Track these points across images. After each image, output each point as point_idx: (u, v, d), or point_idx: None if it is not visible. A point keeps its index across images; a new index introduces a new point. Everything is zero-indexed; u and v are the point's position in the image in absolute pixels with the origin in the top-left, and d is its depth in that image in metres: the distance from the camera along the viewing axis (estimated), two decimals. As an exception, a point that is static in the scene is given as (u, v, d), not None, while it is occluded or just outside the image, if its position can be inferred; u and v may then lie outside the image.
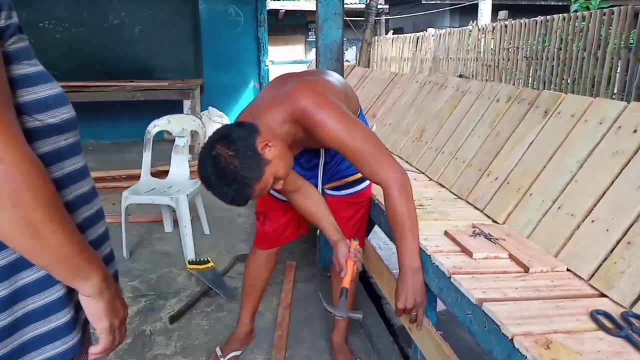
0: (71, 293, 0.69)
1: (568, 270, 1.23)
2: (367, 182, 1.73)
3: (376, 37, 8.69)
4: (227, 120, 5.98)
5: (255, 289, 1.86)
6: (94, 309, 0.69)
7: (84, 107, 4.21)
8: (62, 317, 0.68)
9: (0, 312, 0.62)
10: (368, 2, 6.50)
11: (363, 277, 2.50)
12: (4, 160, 0.55)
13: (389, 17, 11.23)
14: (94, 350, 0.73)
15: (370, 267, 1.88)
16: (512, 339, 0.94)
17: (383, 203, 1.68)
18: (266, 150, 1.23)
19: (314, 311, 2.21)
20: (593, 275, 1.17)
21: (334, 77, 1.56)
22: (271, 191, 1.66)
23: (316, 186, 1.68)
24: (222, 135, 1.22)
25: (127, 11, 5.72)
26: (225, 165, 1.18)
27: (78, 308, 0.71)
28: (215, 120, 5.74)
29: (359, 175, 1.69)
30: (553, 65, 4.95)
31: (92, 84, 4.98)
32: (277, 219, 1.71)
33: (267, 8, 6.55)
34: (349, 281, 1.42)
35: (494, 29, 5.90)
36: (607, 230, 1.21)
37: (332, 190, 1.71)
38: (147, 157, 2.90)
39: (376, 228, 2.33)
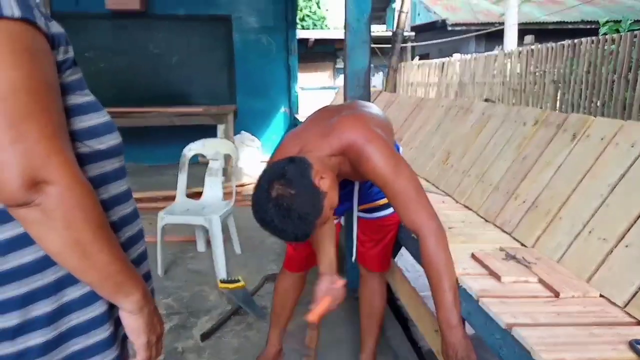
0: (112, 310, 0.72)
1: (601, 296, 1.21)
2: None
3: (402, 63, 8.78)
4: (258, 143, 6.13)
5: (284, 309, 1.89)
6: (134, 324, 0.72)
7: (125, 131, 4.32)
8: (103, 333, 0.71)
9: (47, 326, 0.66)
10: (395, 29, 6.62)
11: (390, 300, 2.50)
12: (59, 184, 0.58)
13: (415, 44, 11.34)
14: None
15: (398, 290, 1.89)
16: (544, 365, 0.92)
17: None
18: (321, 183, 1.22)
19: (342, 332, 2.21)
20: (629, 302, 1.14)
21: (374, 109, 1.58)
22: None
23: (351, 209, 1.71)
24: (278, 174, 1.19)
25: (165, 41, 6.00)
26: (288, 205, 1.16)
27: (117, 324, 0.73)
28: (248, 144, 5.89)
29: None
30: (581, 89, 4.89)
31: (132, 110, 5.21)
32: (309, 243, 1.75)
33: (298, 37, 6.75)
34: (316, 315, 1.39)
35: (520, 53, 5.89)
36: (642, 255, 1.19)
37: (364, 212, 1.74)
38: (182, 179, 3.01)
39: (403, 250, 2.34)
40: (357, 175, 1.41)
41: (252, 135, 6.15)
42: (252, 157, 5.89)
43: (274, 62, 6.43)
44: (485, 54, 6.52)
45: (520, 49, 5.98)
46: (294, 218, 1.17)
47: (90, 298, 0.69)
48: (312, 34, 10.84)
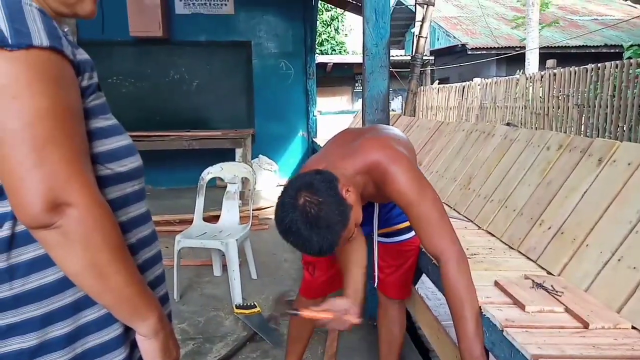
0: (127, 332, 0.72)
1: (633, 328, 1.15)
2: None
3: (422, 87, 8.80)
4: (276, 167, 6.17)
5: (301, 337, 1.85)
6: (149, 348, 0.72)
7: (144, 155, 4.42)
8: (118, 356, 0.71)
9: (63, 348, 0.66)
10: (413, 54, 6.66)
11: (410, 328, 2.43)
12: (78, 206, 0.60)
13: (435, 68, 11.38)
14: None
15: (418, 318, 1.83)
16: (572, 400, 0.88)
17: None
18: (347, 196, 1.20)
19: (360, 362, 2.15)
20: (662, 334, 1.10)
21: (396, 131, 1.58)
22: None
23: (371, 232, 1.69)
24: (305, 183, 1.17)
25: (186, 66, 6.16)
26: (315, 213, 1.13)
27: (133, 347, 0.73)
28: (265, 167, 5.93)
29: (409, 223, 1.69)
30: (607, 113, 4.80)
31: (152, 134, 5.32)
32: (327, 269, 1.71)
33: (316, 62, 6.85)
34: (307, 314, 1.26)
35: (542, 77, 5.84)
36: (675, 285, 1.13)
37: (383, 237, 1.71)
38: (200, 202, 3.03)
39: (424, 277, 2.28)
40: (380, 197, 1.39)
41: (270, 159, 6.20)
42: (270, 180, 5.92)
43: (292, 86, 6.53)
44: (507, 77, 6.48)
45: (543, 72, 5.93)
46: (321, 227, 1.13)
47: (107, 320, 0.69)
48: (330, 59, 11.01)
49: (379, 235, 1.71)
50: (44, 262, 0.64)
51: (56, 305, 0.65)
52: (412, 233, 1.70)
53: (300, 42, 6.44)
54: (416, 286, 2.10)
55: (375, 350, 1.89)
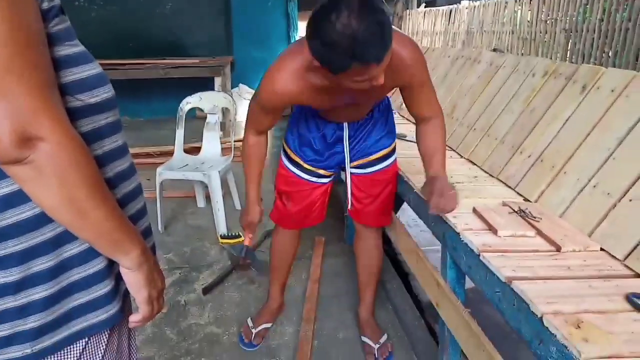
0: (112, 265, 0.72)
1: (602, 249, 1.21)
2: (393, 158, 1.72)
3: (407, 11, 8.46)
4: (256, 97, 6.00)
5: (282, 265, 1.91)
6: (133, 280, 0.72)
7: (119, 84, 4.27)
8: (104, 288, 0.71)
9: (48, 282, 0.66)
10: (400, -26, 6.31)
11: (390, 254, 2.52)
12: (50, 140, 0.57)
13: (421, -11, 10.87)
14: (133, 319, 0.76)
15: (399, 244, 1.89)
16: (541, 318, 0.93)
17: (411, 179, 1.69)
18: None
19: (342, 286, 2.25)
20: (629, 255, 1.14)
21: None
22: (295, 170, 1.68)
23: (343, 163, 1.68)
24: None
25: (158, -13, 5.77)
26: (381, 19, 1.06)
27: (119, 279, 0.74)
28: (246, 97, 5.77)
29: (385, 151, 1.69)
30: (594, 38, 4.71)
31: (126, 62, 5.08)
32: (301, 200, 1.72)
33: (297, -17, 6.47)
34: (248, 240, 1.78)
35: (531, 0, 5.64)
36: (646, 209, 1.17)
37: (358, 168, 1.70)
38: (180, 134, 2.96)
39: (404, 206, 2.33)
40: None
41: (251, 88, 6.00)
42: (252, 110, 5.80)
43: (272, 10, 6.20)
44: (495, 0, 6.24)
45: (531, -5, 5.70)
46: (386, 33, 1.08)
47: (90, 254, 0.69)
48: (313, -19, 10.38)
49: (354, 167, 1.70)
50: (19, 197, 0.62)
51: (36, 240, 0.64)
52: (388, 162, 1.70)
53: (281, -38, 6.05)
54: (397, 214, 2.15)
55: (356, 275, 1.96)
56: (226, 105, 3.05)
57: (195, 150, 3.15)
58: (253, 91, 6.42)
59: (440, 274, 1.46)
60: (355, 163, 1.69)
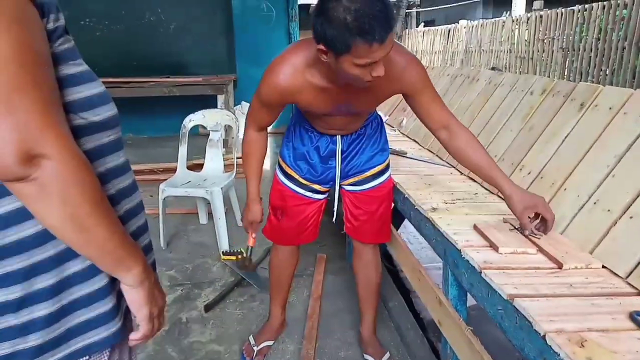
0: (113, 283, 0.72)
1: (604, 267, 1.21)
2: (388, 174, 1.74)
3: (407, 30, 8.58)
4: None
5: (282, 282, 1.90)
6: (134, 298, 0.72)
7: (123, 102, 4.31)
8: (105, 305, 0.71)
9: (49, 299, 0.66)
10: (399, -6, 6.43)
11: (392, 271, 2.52)
12: (54, 158, 0.58)
13: (420, 10, 11.06)
14: (134, 336, 0.76)
15: (400, 262, 1.89)
16: (544, 336, 0.93)
17: (411, 196, 1.70)
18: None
19: (344, 304, 2.24)
20: (631, 273, 1.14)
21: None
22: (290, 185, 1.69)
23: (333, 178, 1.70)
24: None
25: (162, 8, 5.84)
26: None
27: (120, 297, 0.74)
28: (247, 115, 5.81)
29: (379, 167, 1.70)
30: (590, 57, 4.78)
31: (130, 80, 5.14)
32: (295, 216, 1.72)
33: (299, 3, 6.57)
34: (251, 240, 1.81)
35: (528, 19, 5.73)
36: (647, 226, 1.18)
37: (352, 185, 1.71)
38: (183, 150, 2.99)
39: (405, 222, 2.34)
40: (383, 86, 1.39)
41: (254, 106, 6.05)
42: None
43: (274, 29, 6.28)
44: (493, 20, 6.34)
45: (529, 14, 5.81)
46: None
47: (92, 271, 0.69)
48: (313, 0, 10.56)
49: (348, 184, 1.71)
50: (21, 215, 0.63)
51: (38, 258, 0.64)
52: (382, 178, 1.71)
53: (282, -18, 6.15)
54: (398, 231, 2.15)
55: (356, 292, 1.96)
56: (229, 122, 3.08)
57: (198, 167, 3.17)
58: (255, 109, 6.45)
59: (442, 292, 1.46)
60: (349, 180, 1.71)
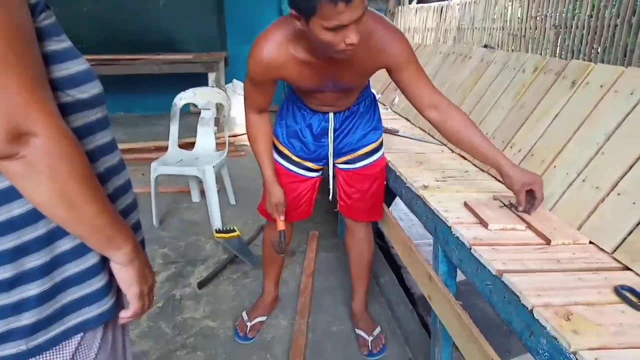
0: (105, 261, 0.72)
1: (591, 243, 1.23)
2: (381, 153, 1.74)
3: (399, 7, 8.46)
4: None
5: (274, 259, 1.92)
6: (124, 276, 0.73)
7: (113, 80, 4.28)
8: (97, 283, 0.71)
9: (42, 278, 0.66)
10: (392, -31, 6.31)
11: (383, 248, 2.55)
12: (41, 135, 0.57)
13: (413, -15, 10.87)
14: (124, 314, 0.77)
15: (391, 238, 1.91)
16: (531, 310, 0.95)
17: (403, 174, 1.71)
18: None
19: (336, 279, 2.27)
20: (617, 248, 1.16)
21: None
22: (283, 162, 1.69)
23: (326, 156, 1.70)
24: None
25: (151, -18, 5.72)
26: None
27: (112, 275, 0.74)
28: (240, 92, 5.74)
29: (372, 146, 1.70)
30: (583, 34, 4.76)
31: (119, 58, 5.05)
32: (288, 193, 1.72)
33: (289, -22, 6.44)
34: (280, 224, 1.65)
35: (523, -4, 5.67)
36: (634, 203, 1.19)
37: (345, 164, 1.72)
38: (174, 129, 2.96)
39: (396, 199, 2.35)
40: (365, 61, 1.39)
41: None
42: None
43: (266, 6, 6.17)
44: (486, -4, 6.27)
45: (522, -9, 5.74)
46: None
47: (83, 249, 0.69)
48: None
49: (341, 162, 1.72)
50: (9, 194, 0.62)
51: (28, 237, 0.64)
52: (375, 156, 1.71)
53: (273, -44, 6.02)
54: (390, 208, 2.17)
55: (348, 268, 1.99)
56: (220, 100, 3.05)
57: (190, 146, 3.15)
58: (246, 87, 6.35)
59: (432, 268, 1.49)
60: (342, 159, 1.71)
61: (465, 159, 1.94)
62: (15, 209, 0.62)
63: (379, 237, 2.63)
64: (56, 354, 0.69)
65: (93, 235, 0.66)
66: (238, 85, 5.90)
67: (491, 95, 2.04)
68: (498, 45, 5.86)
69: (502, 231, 1.29)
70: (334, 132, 1.66)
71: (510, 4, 5.84)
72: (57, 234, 0.66)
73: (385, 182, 1.80)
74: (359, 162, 1.70)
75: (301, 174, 1.71)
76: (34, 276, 0.65)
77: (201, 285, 2.20)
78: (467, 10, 6.70)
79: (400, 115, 2.79)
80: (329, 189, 1.82)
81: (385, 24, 1.38)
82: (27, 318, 0.65)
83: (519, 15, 5.60)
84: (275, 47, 1.36)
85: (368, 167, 1.71)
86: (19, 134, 0.55)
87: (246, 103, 1.58)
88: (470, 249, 1.21)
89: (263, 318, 1.94)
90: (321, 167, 1.75)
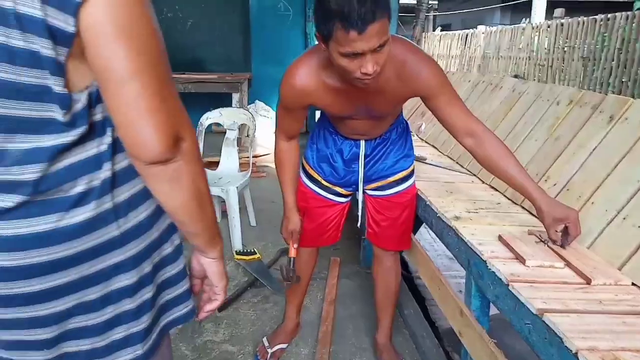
0: (185, 267, 0.78)
1: (633, 284, 1.18)
2: (412, 180, 1.72)
3: (424, 34, 8.55)
4: (273, 114, 6.06)
5: (300, 284, 1.89)
6: (219, 269, 0.78)
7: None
8: (185, 285, 0.77)
9: (152, 280, 0.70)
10: (418, -2, 6.40)
11: (407, 278, 2.49)
12: (188, 139, 0.62)
13: (437, 14, 11.00)
14: (209, 307, 0.82)
15: (418, 269, 1.87)
16: (576, 353, 0.90)
17: (433, 203, 1.68)
18: None
19: (358, 308, 2.22)
20: (662, 291, 1.12)
21: None
22: (313, 187, 1.68)
23: (356, 182, 1.68)
24: None
25: (180, 4, 5.89)
26: None
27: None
28: (262, 114, 5.83)
29: (404, 173, 1.68)
30: (612, 66, 4.71)
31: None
32: (316, 217, 1.71)
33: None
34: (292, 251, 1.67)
35: (549, 27, 5.67)
36: (679, 245, 1.15)
37: (375, 190, 1.70)
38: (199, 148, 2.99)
39: (421, 229, 2.31)
40: (396, 91, 1.39)
41: (267, 105, 6.06)
42: (266, 127, 5.85)
43: (291, 28, 6.29)
44: (512, 26, 6.29)
45: (550, 22, 5.75)
46: None
47: (177, 253, 0.75)
48: (331, 1, 10.50)
49: (372, 189, 1.70)
50: (138, 199, 0.66)
51: (148, 241, 0.68)
52: (406, 184, 1.69)
53: (299, -18, 6.15)
54: (416, 236, 2.13)
55: (372, 296, 1.94)
56: (245, 121, 3.08)
57: (213, 165, 3.17)
58: (269, 108, 6.41)
59: (463, 302, 1.44)
60: (373, 185, 1.69)
61: (497, 190, 1.90)
62: (141, 213, 0.66)
63: (403, 266, 2.58)
64: (159, 353, 0.74)
65: (207, 231, 0.71)
66: (260, 106, 5.98)
67: (524, 126, 2.01)
68: (524, 75, 5.84)
69: (539, 268, 1.25)
70: (365, 158, 1.65)
71: (537, 34, 5.84)
72: (164, 238, 0.71)
73: (415, 211, 1.77)
74: (390, 189, 1.68)
75: (330, 199, 1.70)
76: (149, 279, 0.69)
77: (221, 308, 2.17)
78: (492, 39, 6.73)
79: (427, 142, 2.77)
80: (356, 215, 1.80)
81: (416, 51, 1.38)
82: (145, 322, 0.68)
83: (545, 46, 5.59)
84: (307, 73, 1.38)
85: (399, 195, 1.69)
86: (178, 139, 0.60)
87: (278, 129, 1.60)
88: (508, 285, 1.17)
89: (284, 345, 1.90)
90: (350, 192, 1.73)
